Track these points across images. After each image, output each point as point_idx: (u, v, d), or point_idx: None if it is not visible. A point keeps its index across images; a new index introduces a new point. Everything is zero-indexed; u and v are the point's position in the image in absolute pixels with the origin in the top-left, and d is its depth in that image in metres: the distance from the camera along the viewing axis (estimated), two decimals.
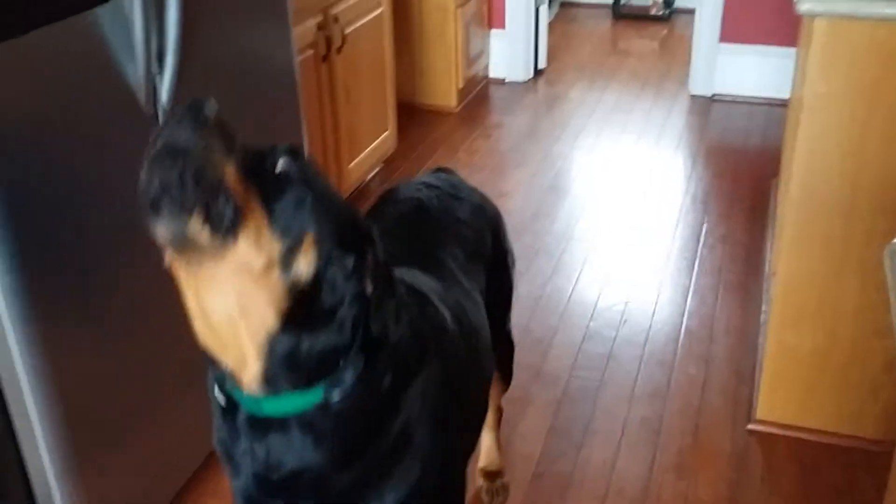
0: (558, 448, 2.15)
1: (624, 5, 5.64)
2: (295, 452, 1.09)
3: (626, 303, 2.72)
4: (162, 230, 0.97)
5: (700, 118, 4.13)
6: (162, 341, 1.85)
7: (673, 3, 5.59)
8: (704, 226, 3.16)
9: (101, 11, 1.55)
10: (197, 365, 1.94)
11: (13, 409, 1.56)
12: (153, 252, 1.79)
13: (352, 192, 3.17)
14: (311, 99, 2.63)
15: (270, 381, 1.05)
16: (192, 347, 1.93)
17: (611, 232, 3.16)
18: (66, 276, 1.57)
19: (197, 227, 0.95)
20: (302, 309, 1.02)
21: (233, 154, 0.99)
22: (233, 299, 1.00)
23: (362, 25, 3.05)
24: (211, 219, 0.95)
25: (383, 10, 3.21)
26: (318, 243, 1.01)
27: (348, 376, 1.07)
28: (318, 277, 1.02)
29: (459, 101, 4.16)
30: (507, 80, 4.55)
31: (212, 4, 1.85)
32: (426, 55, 4.05)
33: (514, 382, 1.99)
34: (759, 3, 4.10)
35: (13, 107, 1.41)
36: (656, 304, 2.72)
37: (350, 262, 1.05)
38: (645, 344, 2.54)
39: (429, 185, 1.66)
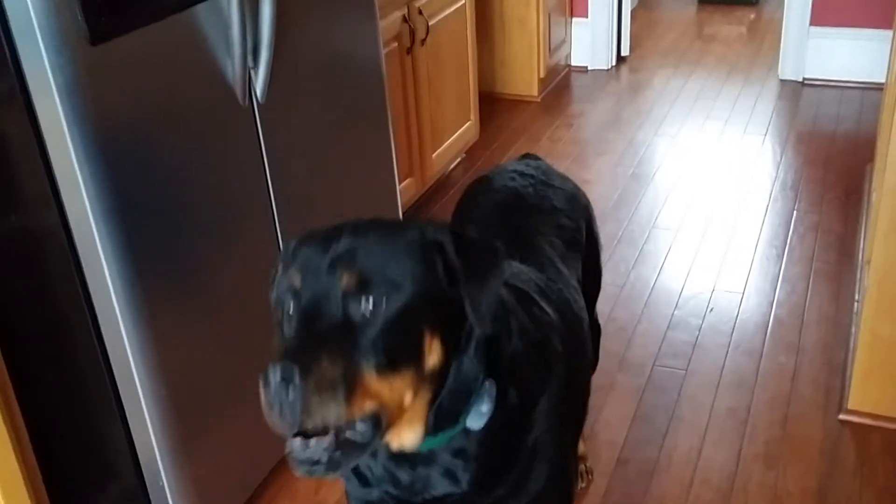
0: (643, 435, 2.15)
1: None
2: (441, 480, 1.09)
3: (713, 291, 2.69)
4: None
5: (790, 103, 4.02)
6: (258, 331, 1.92)
7: None
8: (794, 213, 3.09)
9: (200, 9, 1.61)
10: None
11: (124, 395, 1.64)
12: (249, 242, 1.87)
13: (434, 182, 3.21)
14: (395, 90, 2.68)
15: (423, 436, 1.05)
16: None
17: (695, 220, 3.11)
18: (170, 266, 1.65)
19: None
20: (440, 382, 1.02)
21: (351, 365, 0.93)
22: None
23: (446, 17, 3.08)
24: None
25: (466, 1, 3.23)
26: (435, 333, 0.98)
27: (485, 407, 1.06)
28: (446, 355, 1.01)
29: (541, 90, 4.16)
30: (589, 69, 4.52)
31: (303, 1, 1.90)
32: (508, 45, 4.05)
33: (598, 369, 1.99)
34: None
35: (120, 103, 1.49)
36: (744, 292, 2.68)
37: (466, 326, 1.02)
38: (732, 333, 2.50)
39: (522, 174, 1.65)
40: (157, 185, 1.59)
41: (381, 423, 0.94)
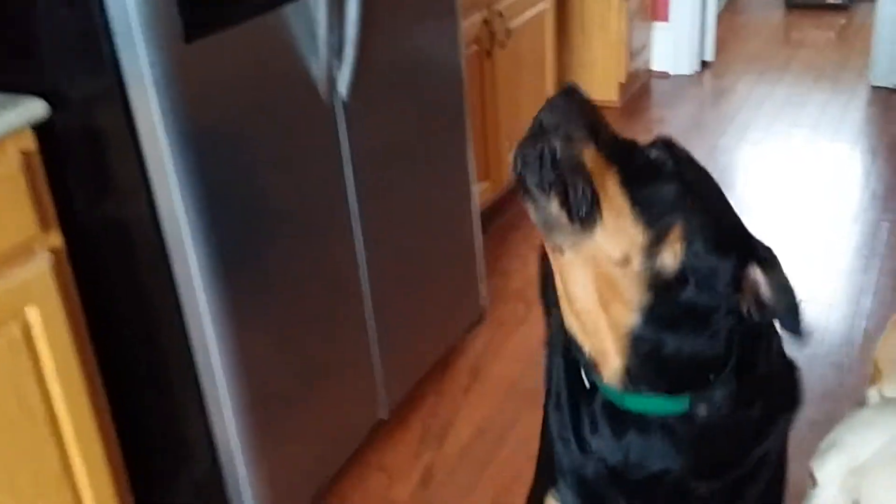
0: None
1: None
2: (657, 455, 1.06)
3: (799, 301, 2.61)
4: (528, 209, 0.99)
5: (882, 110, 3.89)
6: (331, 322, 1.95)
7: None
8: (885, 224, 2.99)
9: (289, 8, 1.65)
10: (360, 348, 2.03)
11: (205, 383, 1.68)
12: (329, 236, 1.90)
13: (511, 186, 3.20)
14: (473, 92, 2.68)
15: (632, 378, 1.03)
16: (352, 332, 2.03)
17: (780, 228, 3.03)
18: (253, 257, 1.68)
19: (555, 210, 0.95)
20: (665, 306, 0.98)
21: (597, 138, 0.99)
22: (591, 288, 0.99)
23: (526, 20, 3.08)
24: (568, 202, 0.95)
25: (547, 4, 3.22)
26: (687, 239, 0.97)
27: (718, 395, 1.03)
28: (684, 274, 0.97)
29: (621, 96, 4.11)
30: (671, 74, 4.45)
31: (387, 1, 1.92)
32: (588, 49, 4.02)
33: None
34: None
35: (211, 99, 1.53)
36: (831, 304, 2.60)
37: (728, 267, 1.00)
38: (818, 344, 2.43)
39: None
40: (243, 179, 1.63)
41: (593, 208, 0.95)
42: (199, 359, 1.66)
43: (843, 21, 5.15)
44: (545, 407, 1.24)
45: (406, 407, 2.29)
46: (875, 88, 4.09)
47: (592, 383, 1.08)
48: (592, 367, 1.06)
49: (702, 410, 1.04)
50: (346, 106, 1.84)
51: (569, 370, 1.13)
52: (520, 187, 0.99)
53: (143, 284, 1.65)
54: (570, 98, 1.00)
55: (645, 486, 1.08)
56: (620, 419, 1.07)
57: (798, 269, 2.76)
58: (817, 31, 5.07)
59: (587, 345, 1.04)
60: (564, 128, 0.97)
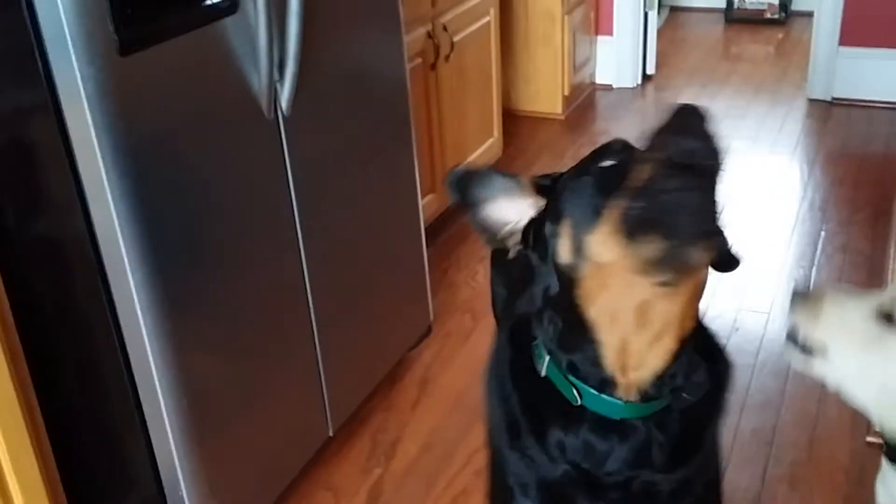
0: None
1: (737, 9, 5.51)
2: (635, 455, 1.09)
3: (738, 311, 2.66)
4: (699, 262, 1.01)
5: (818, 123, 3.99)
6: (275, 339, 1.92)
7: (789, 6, 5.43)
8: (822, 234, 3.06)
9: (228, 22, 1.63)
10: (306, 364, 2.01)
11: (146, 403, 1.65)
12: (272, 252, 1.87)
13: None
14: (418, 106, 2.68)
15: (655, 387, 1.05)
16: (297, 349, 2.00)
17: None
18: (193, 275, 1.65)
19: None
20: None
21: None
22: (688, 308, 1.04)
23: (470, 33, 3.09)
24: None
25: (491, 18, 3.24)
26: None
27: (695, 379, 1.08)
28: None
29: (565, 108, 4.15)
30: (614, 87, 4.51)
31: (329, 14, 1.91)
32: (532, 62, 4.06)
33: None
34: (880, 5, 3.95)
35: (148, 113, 1.50)
36: (770, 312, 2.65)
37: None
38: (758, 353, 2.47)
39: None
40: (182, 195, 1.60)
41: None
42: (140, 379, 1.62)
43: (780, 35, 5.28)
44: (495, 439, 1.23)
45: (354, 423, 2.28)
46: (812, 101, 4.20)
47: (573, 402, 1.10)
48: (609, 383, 1.06)
49: (683, 400, 1.08)
50: (287, 120, 1.82)
51: (534, 391, 1.13)
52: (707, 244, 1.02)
53: (79, 304, 1.61)
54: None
55: (616, 486, 1.10)
56: (605, 426, 1.08)
57: (738, 279, 2.82)
58: (756, 46, 5.19)
59: (622, 362, 1.05)
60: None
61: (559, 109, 4.13)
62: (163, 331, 1.59)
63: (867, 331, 1.19)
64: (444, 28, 2.86)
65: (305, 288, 1.97)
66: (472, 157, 3.25)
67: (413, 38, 2.64)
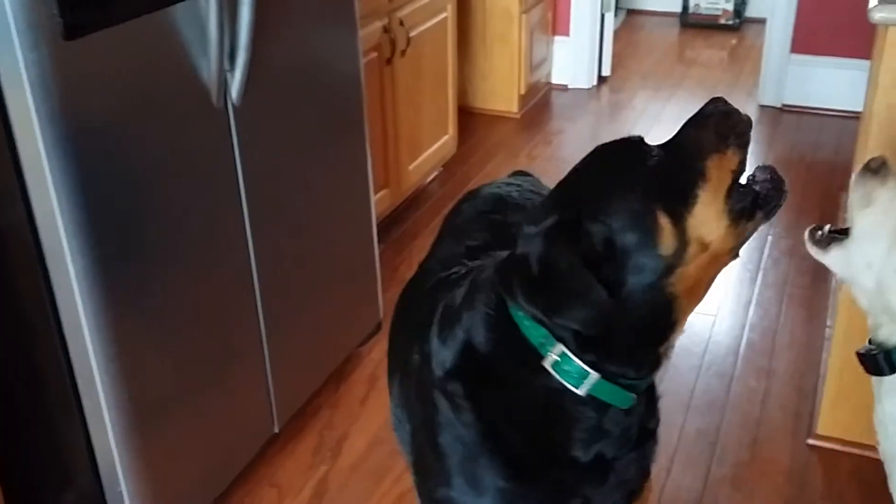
0: None
1: (692, 14, 5.58)
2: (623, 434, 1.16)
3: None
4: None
5: (769, 129, 4.06)
6: (221, 334, 1.89)
7: (743, 12, 5.51)
8: (769, 238, 3.11)
9: (178, 8, 1.59)
10: (252, 360, 1.98)
11: (85, 398, 1.61)
12: (219, 245, 1.84)
13: (411, 194, 3.20)
14: (373, 100, 2.66)
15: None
16: (244, 344, 1.97)
17: None
18: (136, 267, 1.62)
19: None
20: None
21: None
22: None
23: (427, 29, 3.08)
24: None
25: (448, 14, 3.23)
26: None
27: None
28: None
29: (521, 107, 4.16)
30: (569, 87, 4.54)
31: (283, 4, 1.89)
32: (489, 60, 4.06)
33: None
34: (832, 14, 4.02)
35: (92, 100, 1.46)
36: (716, 315, 2.68)
37: None
38: (704, 354, 2.50)
39: (508, 183, 1.65)
40: (127, 184, 1.57)
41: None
42: (79, 372, 1.59)
43: (734, 41, 5.36)
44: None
45: (301, 420, 2.25)
46: (763, 107, 4.26)
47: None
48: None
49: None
50: (237, 110, 1.79)
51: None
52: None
53: (19, 294, 1.56)
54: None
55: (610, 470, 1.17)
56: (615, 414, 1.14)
57: None
58: (710, 51, 5.25)
59: (676, 340, 1.16)
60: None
61: (515, 108, 4.13)
62: (104, 324, 1.55)
63: None
64: (401, 22, 2.85)
65: (253, 282, 1.94)
66: (426, 154, 3.23)
67: (369, 32, 2.62)
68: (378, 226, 2.55)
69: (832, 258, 1.41)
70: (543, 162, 3.75)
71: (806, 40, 4.10)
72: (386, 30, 2.77)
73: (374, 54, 2.71)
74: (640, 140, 1.13)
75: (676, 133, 1.14)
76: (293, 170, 2.04)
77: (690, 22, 5.59)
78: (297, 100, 2.02)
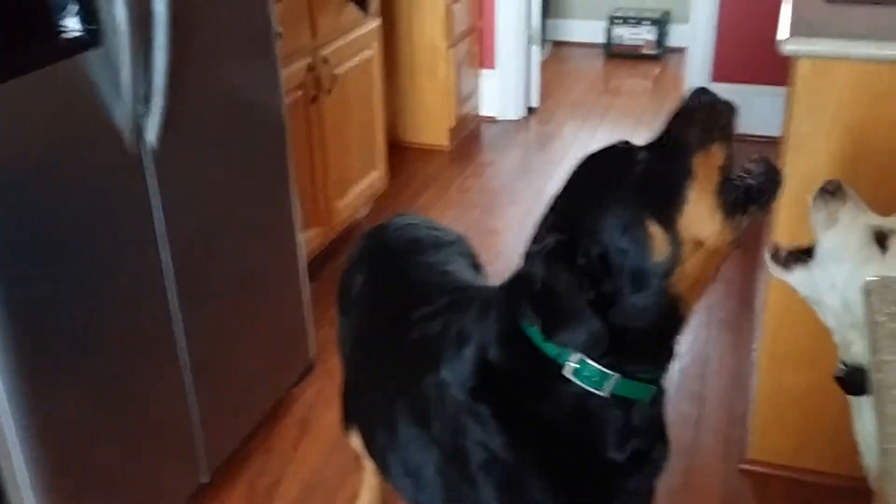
0: None
1: (615, 45, 5.70)
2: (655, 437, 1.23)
3: None
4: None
5: None
6: (143, 381, 1.84)
7: (665, 42, 5.65)
8: None
9: (90, 55, 1.56)
10: (177, 407, 1.92)
11: (1, 460, 1.54)
12: (138, 294, 1.79)
13: (342, 231, 3.17)
14: (299, 139, 2.64)
15: None
16: (168, 393, 1.91)
17: None
18: (51, 318, 1.56)
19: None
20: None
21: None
22: None
23: (353, 66, 3.07)
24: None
25: (373, 51, 3.23)
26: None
27: None
28: None
29: (451, 140, 4.18)
30: (498, 119, 4.58)
31: (200, 46, 1.86)
32: (417, 94, 4.07)
33: None
34: (749, 43, 4.14)
35: (3, 149, 1.42)
36: None
37: None
38: None
39: (407, 224, 1.70)
40: (40, 234, 1.52)
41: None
42: None
43: (657, 70, 5.48)
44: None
45: (231, 467, 2.19)
46: None
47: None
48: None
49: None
50: (156, 155, 1.76)
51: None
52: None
53: None
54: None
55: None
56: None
57: None
58: (634, 80, 5.36)
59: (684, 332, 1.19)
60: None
61: (445, 141, 4.15)
62: (21, 377, 1.50)
63: (862, 250, 1.34)
64: (326, 60, 2.83)
65: (176, 328, 1.89)
66: (355, 190, 3.21)
67: (293, 71, 2.60)
68: (309, 264, 2.51)
69: (796, 279, 1.43)
70: (475, 194, 3.76)
71: (725, 69, 4.21)
72: (311, 68, 2.75)
73: (299, 93, 2.69)
74: (626, 145, 1.14)
75: (662, 130, 1.14)
76: (216, 212, 2.00)
77: (614, 52, 5.70)
78: (218, 141, 1.99)
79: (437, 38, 3.94)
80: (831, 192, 1.41)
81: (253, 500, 2.13)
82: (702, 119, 1.11)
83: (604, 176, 1.12)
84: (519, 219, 3.53)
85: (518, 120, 4.58)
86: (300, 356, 2.45)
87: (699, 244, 1.08)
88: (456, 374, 1.19)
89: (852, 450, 2.06)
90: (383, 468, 1.42)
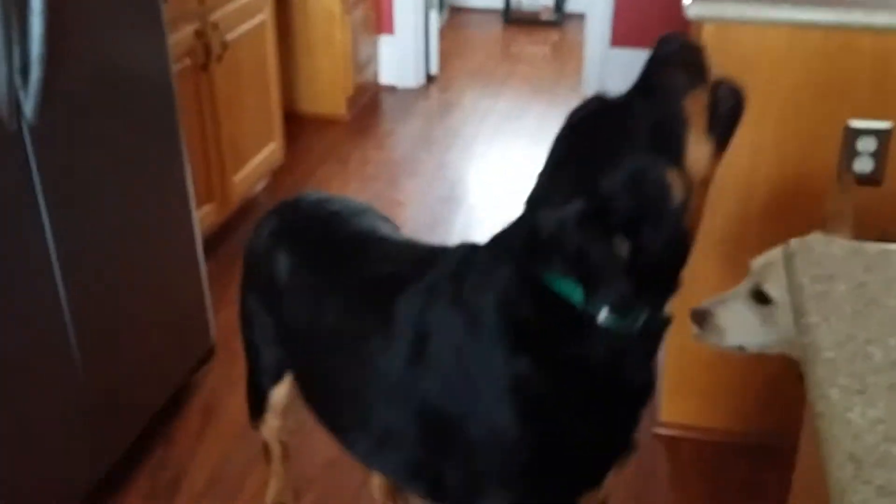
0: None
1: (514, 10, 5.66)
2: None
3: None
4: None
5: None
6: (29, 372, 1.70)
7: (563, 8, 5.65)
8: None
9: None
10: (67, 401, 1.79)
11: None
12: (23, 279, 1.65)
13: (238, 206, 3.04)
14: (190, 109, 2.50)
15: None
16: (62, 380, 1.78)
17: None
18: None
19: None
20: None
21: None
22: None
23: (244, 32, 2.93)
24: None
25: (265, 16, 3.09)
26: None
27: None
28: None
29: (349, 109, 4.07)
30: (398, 87, 4.48)
31: (80, 13, 1.71)
32: (313, 62, 3.93)
33: None
34: (648, 8, 4.16)
35: None
36: None
37: None
38: None
39: (311, 201, 1.64)
40: None
41: None
42: None
43: (556, 37, 5.47)
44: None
45: (130, 460, 2.07)
46: None
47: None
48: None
49: None
50: (34, 130, 1.61)
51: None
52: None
53: None
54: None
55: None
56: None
57: None
58: (534, 46, 5.34)
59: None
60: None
61: (343, 111, 4.03)
62: None
63: (750, 316, 1.48)
64: (215, 26, 2.69)
65: (64, 317, 1.75)
66: (252, 163, 3.08)
67: (180, 37, 2.45)
68: (205, 241, 2.39)
69: (713, 342, 1.54)
70: (376, 166, 3.67)
71: (624, 33, 4.23)
72: (199, 34, 2.60)
73: (188, 61, 2.55)
74: (612, 100, 1.20)
75: (640, 80, 1.20)
76: (103, 190, 1.87)
77: (513, 18, 5.66)
78: (103, 114, 1.85)
79: (333, 3, 3.80)
80: (700, 323, 1.53)
81: (154, 495, 2.02)
82: (681, 64, 1.17)
83: (608, 133, 1.17)
84: (422, 190, 3.47)
85: (418, 88, 4.50)
86: (200, 340, 2.33)
87: (704, 181, 1.16)
88: (489, 336, 1.23)
89: (758, 408, 2.10)
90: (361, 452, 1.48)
